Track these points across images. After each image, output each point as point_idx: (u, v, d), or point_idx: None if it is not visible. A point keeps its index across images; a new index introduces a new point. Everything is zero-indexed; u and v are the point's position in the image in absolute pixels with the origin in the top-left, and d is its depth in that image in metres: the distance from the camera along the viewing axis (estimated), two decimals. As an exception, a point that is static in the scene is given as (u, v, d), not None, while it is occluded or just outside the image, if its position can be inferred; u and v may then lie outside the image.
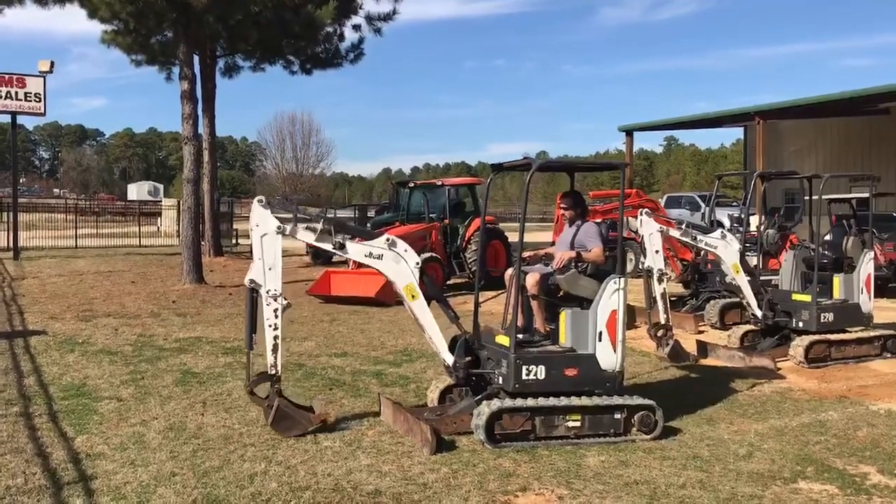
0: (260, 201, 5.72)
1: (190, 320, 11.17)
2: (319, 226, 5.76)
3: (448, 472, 4.94)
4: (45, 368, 7.82)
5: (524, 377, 5.56)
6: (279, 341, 5.65)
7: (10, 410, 6.27)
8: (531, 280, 5.95)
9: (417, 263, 5.90)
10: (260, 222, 5.65)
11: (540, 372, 5.59)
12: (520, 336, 5.80)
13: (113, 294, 14.10)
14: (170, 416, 6.18)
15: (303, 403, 5.95)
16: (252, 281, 5.59)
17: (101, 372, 7.70)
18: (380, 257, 5.84)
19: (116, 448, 5.36)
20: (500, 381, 5.68)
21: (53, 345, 9.10)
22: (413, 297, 5.86)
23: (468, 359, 5.87)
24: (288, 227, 5.69)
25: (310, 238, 5.78)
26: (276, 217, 5.68)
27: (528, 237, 6.20)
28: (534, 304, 6.05)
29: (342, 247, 5.78)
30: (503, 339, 5.78)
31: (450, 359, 5.89)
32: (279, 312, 5.64)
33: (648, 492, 4.72)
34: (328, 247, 5.80)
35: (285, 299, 5.70)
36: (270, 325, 5.61)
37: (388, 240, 5.87)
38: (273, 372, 5.64)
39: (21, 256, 21.26)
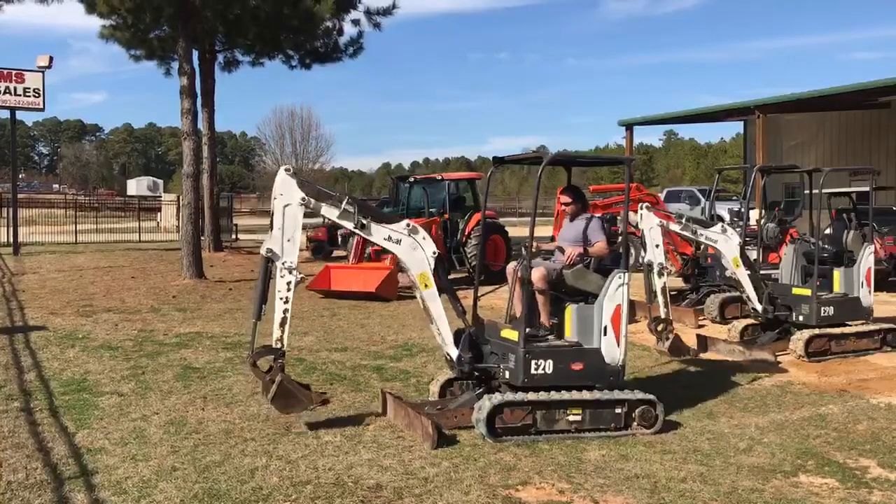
0: (287, 170, 5.54)
1: (190, 315, 11.17)
2: (343, 203, 5.62)
3: (449, 466, 4.95)
4: (45, 364, 7.82)
5: (533, 371, 5.55)
6: (288, 315, 5.51)
7: (11, 406, 6.27)
8: (537, 274, 5.95)
9: (434, 253, 5.83)
10: (284, 191, 5.48)
11: (548, 366, 5.59)
12: (527, 330, 5.80)
13: (113, 289, 14.10)
14: (170, 410, 6.18)
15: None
16: (270, 250, 5.41)
17: (102, 367, 7.71)
18: (398, 242, 5.75)
19: (117, 443, 5.36)
20: (507, 376, 5.67)
21: (54, 340, 9.09)
22: (426, 286, 5.79)
23: (470, 354, 5.84)
24: (312, 201, 5.54)
25: (333, 214, 5.61)
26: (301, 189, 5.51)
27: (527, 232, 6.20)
28: (539, 298, 6.05)
29: (363, 227, 5.66)
30: (510, 334, 5.77)
31: (454, 352, 5.86)
32: (292, 286, 5.51)
33: (649, 485, 4.72)
34: (350, 225, 5.65)
35: (300, 273, 5.58)
36: (282, 298, 5.47)
37: (408, 225, 5.79)
38: (279, 346, 5.51)
39: (21, 252, 21.26)
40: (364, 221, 5.67)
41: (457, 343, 5.89)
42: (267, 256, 5.43)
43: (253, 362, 5.51)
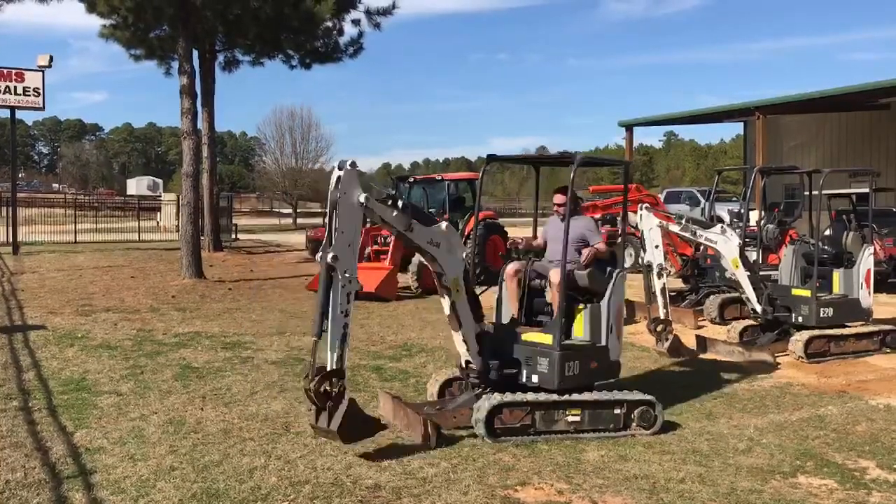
0: (353, 164, 5.02)
1: (189, 315, 11.17)
2: (400, 205, 5.37)
3: (448, 467, 4.94)
4: (44, 363, 7.82)
5: (566, 374, 5.57)
6: (349, 330, 5.00)
7: (9, 405, 6.26)
8: (556, 276, 5.95)
9: (466, 255, 5.75)
10: (348, 190, 4.97)
11: (576, 367, 5.64)
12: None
13: (112, 289, 14.09)
14: (169, 410, 6.18)
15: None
16: (335, 258, 4.89)
17: (101, 366, 7.70)
18: (437, 245, 5.57)
19: (116, 442, 5.36)
20: (536, 380, 5.64)
21: (53, 339, 9.09)
22: (458, 290, 5.63)
23: (497, 361, 5.76)
24: (371, 201, 5.13)
25: (389, 215, 5.27)
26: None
27: (526, 232, 6.22)
28: (555, 298, 6.05)
29: (412, 229, 5.45)
30: (538, 337, 5.76)
31: (478, 361, 5.73)
32: (353, 297, 5.04)
33: (648, 486, 4.72)
34: (401, 227, 5.35)
35: (358, 283, 5.13)
36: (342, 312, 4.94)
37: (447, 227, 5.64)
38: (339, 366, 4.95)
39: (20, 251, 21.25)
40: (412, 224, 5.46)
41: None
42: (331, 264, 4.91)
43: (317, 388, 4.86)
